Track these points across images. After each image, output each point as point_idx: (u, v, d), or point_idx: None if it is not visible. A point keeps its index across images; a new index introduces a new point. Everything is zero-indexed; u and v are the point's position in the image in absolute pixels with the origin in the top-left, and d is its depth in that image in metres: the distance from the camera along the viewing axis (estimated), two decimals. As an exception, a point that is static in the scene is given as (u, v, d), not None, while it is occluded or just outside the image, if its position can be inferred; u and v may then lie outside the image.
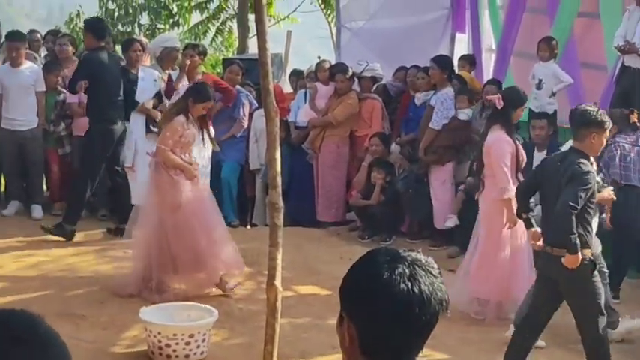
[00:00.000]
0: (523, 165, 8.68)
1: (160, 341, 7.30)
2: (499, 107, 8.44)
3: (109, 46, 11.87)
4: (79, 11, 22.37)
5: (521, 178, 8.42)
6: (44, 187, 12.33)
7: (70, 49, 12.51)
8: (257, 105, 12.28)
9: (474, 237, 8.96)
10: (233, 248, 9.16)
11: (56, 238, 10.68)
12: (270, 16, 20.11)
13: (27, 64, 11.68)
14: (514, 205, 7.73)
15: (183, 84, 11.53)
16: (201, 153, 11.15)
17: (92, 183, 10.95)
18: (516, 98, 8.61)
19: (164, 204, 8.89)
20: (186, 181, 8.98)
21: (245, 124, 12.26)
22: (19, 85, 11.51)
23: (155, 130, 11.45)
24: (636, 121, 9.74)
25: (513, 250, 8.55)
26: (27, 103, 11.56)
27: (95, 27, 11.16)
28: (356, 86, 12.50)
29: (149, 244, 8.85)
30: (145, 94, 11.44)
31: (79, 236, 10.91)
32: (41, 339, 2.03)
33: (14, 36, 11.84)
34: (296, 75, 14.00)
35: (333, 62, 13.42)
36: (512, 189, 8.13)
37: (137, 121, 11.38)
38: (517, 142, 8.75)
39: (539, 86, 11.47)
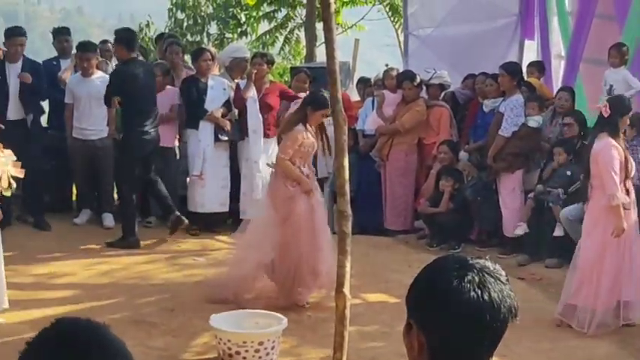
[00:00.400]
0: (632, 173, 8.60)
1: (229, 349, 7.34)
2: (606, 116, 8.40)
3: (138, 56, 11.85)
4: (148, 21, 22.62)
5: (630, 186, 8.39)
6: (114, 196, 12.45)
7: (141, 59, 12.62)
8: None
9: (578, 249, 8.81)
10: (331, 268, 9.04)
11: (128, 247, 10.82)
12: (338, 24, 20.16)
13: (98, 74, 11.80)
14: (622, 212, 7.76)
15: (251, 93, 11.62)
16: (321, 163, 11.26)
17: (132, 189, 11.04)
18: (623, 106, 8.56)
19: (275, 215, 8.86)
20: (302, 194, 8.89)
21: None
22: (89, 95, 11.62)
23: (224, 138, 11.56)
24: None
25: (619, 257, 8.47)
26: (97, 112, 11.68)
27: (126, 38, 11.21)
28: (423, 94, 12.47)
29: (253, 252, 8.85)
30: (214, 102, 11.55)
31: (150, 244, 11.02)
32: (106, 348, 2.06)
33: (85, 46, 11.98)
34: (363, 83, 14.00)
35: (401, 70, 13.39)
36: (621, 196, 8.15)
37: (206, 130, 11.49)
38: (625, 149, 8.67)
39: (610, 92, 11.33)
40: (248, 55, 12.80)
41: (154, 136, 11.11)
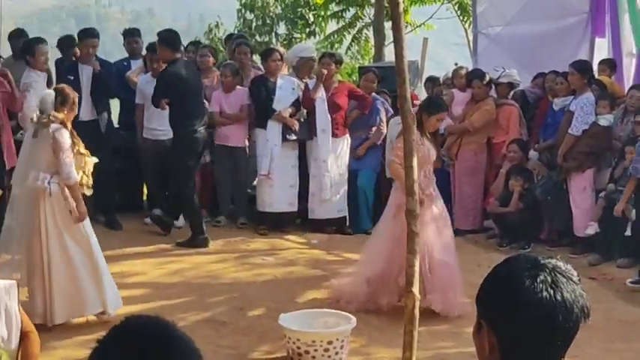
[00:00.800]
0: None
1: (299, 348, 7.36)
2: None
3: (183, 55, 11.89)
4: (217, 22, 22.78)
5: None
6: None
7: (211, 59, 12.73)
8: (392, 113, 12.30)
9: None
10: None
11: (197, 247, 10.91)
12: (407, 23, 20.11)
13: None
14: None
15: (320, 93, 11.65)
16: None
17: (192, 185, 11.09)
18: None
19: (393, 222, 8.73)
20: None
21: (384, 130, 12.26)
22: (160, 95, 11.70)
23: (292, 138, 11.59)
24: None
25: None
26: (167, 112, 11.77)
27: (169, 39, 11.23)
28: (493, 93, 12.40)
29: (378, 258, 8.72)
30: (282, 102, 11.59)
31: (219, 243, 11.10)
32: (175, 346, 2.08)
33: (154, 48, 12.09)
34: (432, 82, 13.97)
35: (470, 69, 13.33)
36: None
37: (274, 129, 11.55)
38: None
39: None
40: (315, 54, 12.84)
41: (204, 135, 11.20)
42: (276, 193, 11.61)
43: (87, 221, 8.25)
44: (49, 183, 8.05)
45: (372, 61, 20.21)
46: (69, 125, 8.18)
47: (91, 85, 11.43)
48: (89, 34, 11.70)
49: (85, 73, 11.50)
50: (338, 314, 7.95)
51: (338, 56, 12.86)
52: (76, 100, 8.33)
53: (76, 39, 11.83)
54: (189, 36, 18.77)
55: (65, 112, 8.17)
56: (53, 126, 8.02)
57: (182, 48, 11.45)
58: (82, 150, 8.27)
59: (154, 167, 11.99)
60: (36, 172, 8.06)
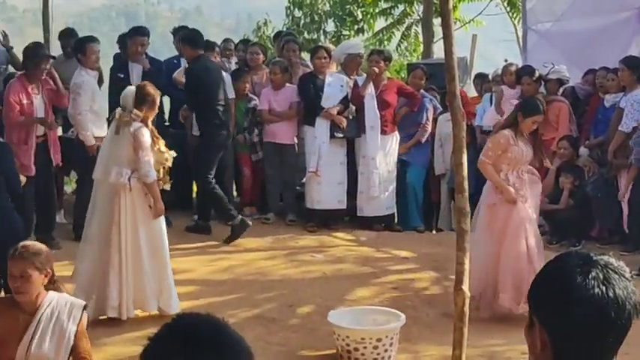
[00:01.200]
0: None
1: (348, 345, 7.38)
2: None
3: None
4: (266, 20, 22.84)
5: None
6: (234, 192, 12.59)
7: (261, 57, 12.76)
8: (441, 109, 12.28)
9: None
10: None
11: (248, 243, 10.96)
12: (456, 19, 20.01)
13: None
14: None
15: (369, 90, 11.64)
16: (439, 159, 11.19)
17: (211, 178, 11.14)
18: None
19: (486, 224, 8.71)
20: (505, 203, 8.58)
21: (429, 128, 12.23)
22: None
23: (339, 135, 11.57)
24: None
25: None
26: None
27: (188, 37, 11.42)
28: (542, 89, 12.32)
29: (481, 261, 8.53)
30: (330, 99, 11.59)
31: (268, 240, 11.14)
32: (225, 343, 2.10)
33: (209, 46, 12.19)
34: (481, 78, 13.90)
35: (520, 65, 13.25)
36: None
37: (322, 127, 11.55)
38: None
39: None
40: (362, 51, 12.82)
41: (228, 131, 11.35)
42: (325, 191, 11.61)
43: (162, 220, 8.40)
44: (129, 179, 8.27)
45: (420, 58, 20.15)
46: (149, 123, 8.33)
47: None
48: (139, 32, 11.80)
49: (135, 71, 11.58)
50: (387, 311, 7.96)
51: (387, 53, 12.82)
52: (157, 99, 8.47)
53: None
54: (237, 34, 18.90)
55: (144, 110, 8.32)
56: (135, 124, 8.25)
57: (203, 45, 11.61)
58: (163, 147, 8.41)
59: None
60: (118, 167, 8.29)
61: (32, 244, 5.71)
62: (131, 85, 11.18)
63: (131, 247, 8.25)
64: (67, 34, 12.52)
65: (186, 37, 11.49)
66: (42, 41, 12.50)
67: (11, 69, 11.73)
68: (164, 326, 2.15)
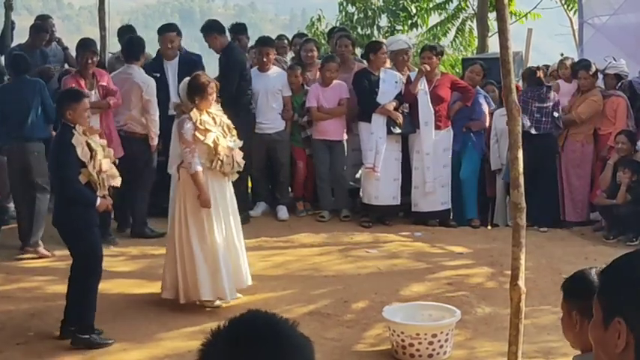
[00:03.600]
0: None
1: (403, 340, 7.38)
2: None
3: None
4: (319, 15, 22.84)
5: None
6: (289, 188, 12.61)
7: (315, 53, 12.76)
8: (494, 105, 12.20)
9: None
10: None
11: (302, 239, 11.00)
12: (511, 13, 19.86)
13: (273, 69, 11.97)
14: None
15: (421, 86, 11.59)
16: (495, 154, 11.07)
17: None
18: None
19: None
20: None
21: (485, 123, 12.14)
22: (266, 90, 11.79)
23: (396, 131, 11.54)
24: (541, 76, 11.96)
25: None
26: (275, 106, 11.87)
27: (214, 26, 11.65)
28: (600, 83, 12.21)
29: None
30: (385, 95, 11.55)
31: (323, 236, 11.16)
32: (282, 339, 2.11)
33: (265, 41, 12.22)
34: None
35: (576, 59, 13.14)
36: None
37: (378, 123, 11.50)
38: None
39: None
40: (407, 45, 12.71)
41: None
42: (381, 187, 11.58)
43: (213, 211, 8.44)
44: (178, 170, 8.53)
45: (475, 52, 20.05)
46: (200, 114, 8.39)
47: (178, 80, 11.56)
48: (165, 29, 11.88)
49: (170, 68, 11.65)
50: (442, 307, 7.94)
51: (439, 48, 12.77)
52: (208, 88, 8.50)
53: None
54: (291, 30, 18.95)
55: (197, 100, 8.41)
56: (182, 116, 8.36)
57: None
58: (209, 139, 8.40)
59: (260, 161, 12.04)
60: (172, 159, 8.73)
61: None
62: (168, 83, 11.37)
63: (184, 236, 8.44)
64: (125, 32, 12.65)
65: (212, 27, 11.65)
66: (98, 39, 12.61)
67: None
68: (223, 324, 2.16)
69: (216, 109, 8.73)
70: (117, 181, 7.99)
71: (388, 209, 11.76)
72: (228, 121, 8.76)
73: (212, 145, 8.36)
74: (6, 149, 10.71)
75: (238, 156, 8.68)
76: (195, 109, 8.42)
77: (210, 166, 8.39)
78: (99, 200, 7.76)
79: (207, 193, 8.35)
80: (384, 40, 13.89)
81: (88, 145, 7.70)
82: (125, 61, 11.31)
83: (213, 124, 8.50)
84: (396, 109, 11.56)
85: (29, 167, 10.14)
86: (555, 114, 11.69)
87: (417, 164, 11.68)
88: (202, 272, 8.39)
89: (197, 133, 8.33)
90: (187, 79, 8.77)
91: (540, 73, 12.06)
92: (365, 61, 12.29)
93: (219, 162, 8.41)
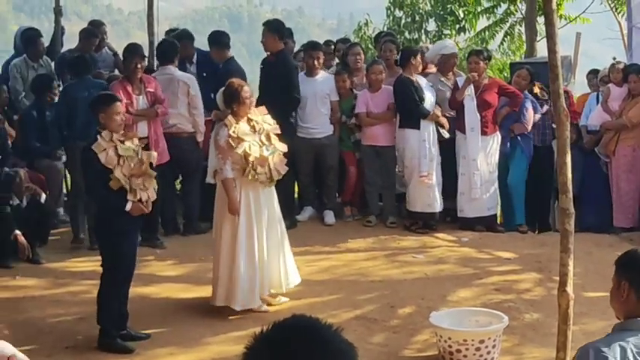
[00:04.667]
0: None
1: (450, 346, 7.35)
2: None
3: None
4: (367, 20, 22.83)
5: None
6: (337, 193, 12.57)
7: (362, 57, 12.72)
8: (541, 110, 12.09)
9: None
10: None
11: (349, 244, 11.00)
12: (560, 16, 19.73)
13: (321, 74, 11.94)
14: None
15: (468, 92, 11.52)
16: None
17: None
18: None
19: None
20: None
21: (528, 127, 11.99)
22: (314, 94, 11.77)
23: (446, 136, 11.45)
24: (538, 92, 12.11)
25: None
26: (323, 111, 11.86)
27: (278, 28, 11.72)
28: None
29: None
30: (429, 101, 11.45)
31: (369, 241, 11.15)
32: (326, 344, 2.11)
33: (315, 45, 12.25)
34: (594, 74, 13.59)
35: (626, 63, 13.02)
36: None
37: (428, 129, 11.39)
38: None
39: None
40: (456, 50, 12.64)
41: None
42: (430, 192, 11.45)
43: (245, 218, 8.48)
44: (214, 176, 8.72)
45: (523, 57, 19.92)
46: (237, 120, 8.44)
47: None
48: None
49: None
50: (490, 313, 7.90)
51: (486, 52, 12.67)
52: (244, 93, 8.54)
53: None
54: (338, 35, 18.88)
55: (235, 107, 8.47)
56: (219, 123, 8.48)
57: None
58: (240, 148, 8.43)
59: (308, 165, 12.02)
60: (210, 166, 8.93)
61: None
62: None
63: (220, 243, 8.60)
64: (169, 34, 12.78)
65: (276, 27, 11.69)
66: (147, 44, 12.72)
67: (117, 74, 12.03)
68: (268, 328, 2.16)
69: (261, 114, 8.77)
70: (152, 192, 8.05)
71: (435, 215, 11.62)
72: (273, 128, 8.78)
73: (242, 154, 8.39)
74: (70, 149, 10.91)
75: (280, 164, 8.70)
76: (231, 116, 8.47)
77: (242, 174, 8.43)
78: (129, 205, 7.77)
79: (235, 201, 8.42)
80: (429, 45, 13.81)
81: (116, 150, 7.72)
82: (160, 64, 11.44)
83: (249, 133, 8.53)
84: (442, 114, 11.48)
85: None
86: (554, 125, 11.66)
87: (463, 170, 11.60)
88: (239, 279, 8.44)
89: (230, 141, 8.38)
90: (222, 88, 8.84)
91: (536, 88, 12.19)
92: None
93: (253, 171, 8.43)
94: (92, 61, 11.92)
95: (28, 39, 12.50)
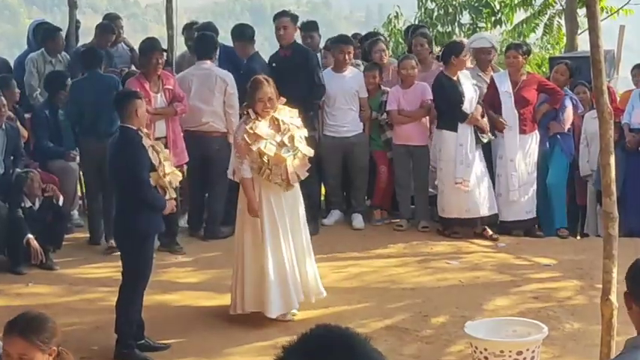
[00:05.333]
0: None
1: (486, 358, 7.32)
2: None
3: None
4: (397, 12, 22.81)
5: None
6: (365, 196, 12.54)
7: (387, 52, 12.68)
8: (582, 108, 12.02)
9: None
10: None
11: (379, 250, 11.02)
12: (602, 8, 19.63)
13: (349, 70, 11.92)
14: None
15: (505, 87, 11.45)
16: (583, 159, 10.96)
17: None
18: None
19: None
20: None
21: (566, 126, 11.90)
22: (343, 91, 11.75)
23: (485, 140, 11.32)
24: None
25: None
26: (352, 109, 11.84)
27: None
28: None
29: None
30: (469, 102, 11.33)
31: (400, 246, 11.14)
32: (355, 355, 2.11)
33: (344, 39, 12.21)
34: (638, 69, 13.51)
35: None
36: None
37: (466, 132, 11.23)
38: None
39: None
40: (491, 44, 12.53)
41: None
42: (471, 199, 11.39)
43: (267, 221, 8.50)
44: (233, 174, 8.84)
45: (563, 51, 19.85)
46: (259, 117, 8.46)
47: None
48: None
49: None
50: (528, 322, 7.87)
51: (525, 46, 12.58)
52: (258, 88, 8.53)
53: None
54: (367, 28, 18.90)
55: (253, 104, 8.50)
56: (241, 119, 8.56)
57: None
58: (255, 146, 8.46)
59: (335, 166, 12.01)
60: (231, 164, 8.97)
61: (35, 315, 4.79)
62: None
63: (241, 246, 8.69)
64: (190, 28, 12.81)
65: (296, 18, 11.92)
66: (166, 38, 12.77)
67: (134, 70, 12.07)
68: (297, 339, 2.17)
69: (289, 114, 8.77)
70: (175, 185, 8.20)
71: (473, 220, 11.55)
72: (299, 130, 8.77)
73: (257, 152, 8.40)
74: (83, 145, 11.05)
75: (300, 168, 8.70)
76: (251, 112, 8.51)
77: (258, 173, 8.46)
78: (168, 204, 7.95)
79: (254, 201, 8.45)
80: (465, 40, 13.74)
81: (154, 148, 7.85)
82: (198, 59, 11.45)
83: (269, 132, 8.51)
84: (482, 115, 11.36)
85: (105, 164, 10.33)
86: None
87: (500, 170, 11.55)
88: (269, 285, 8.46)
89: (247, 137, 8.40)
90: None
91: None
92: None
93: (268, 171, 8.44)
94: (107, 56, 11.99)
95: (47, 32, 12.59)
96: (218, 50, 11.96)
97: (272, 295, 8.50)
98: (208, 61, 11.31)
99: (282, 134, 8.59)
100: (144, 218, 7.87)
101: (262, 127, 8.50)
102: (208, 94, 11.08)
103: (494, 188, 11.54)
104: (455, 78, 11.37)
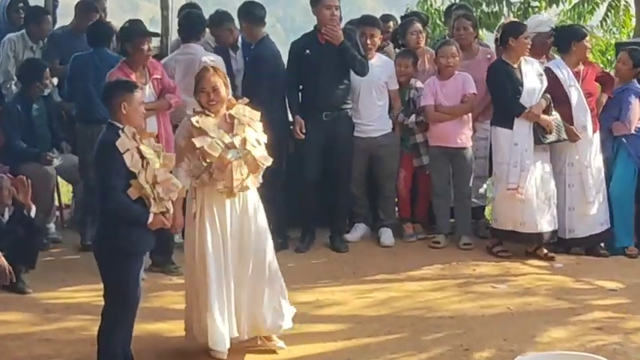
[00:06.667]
0: None
1: (539, 399, 7.31)
2: None
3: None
4: (434, -9, 22.83)
5: None
6: (395, 208, 12.48)
7: (423, 35, 12.63)
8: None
9: None
10: None
11: (411, 271, 11.05)
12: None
13: (377, 57, 11.91)
14: None
15: (571, 81, 11.40)
16: None
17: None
18: None
19: None
20: None
21: (632, 126, 11.82)
22: (370, 83, 11.71)
23: (547, 141, 11.21)
24: None
25: None
26: (380, 104, 11.83)
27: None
28: None
29: None
30: (531, 95, 11.29)
31: (438, 267, 11.16)
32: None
33: (369, 20, 12.13)
34: None
35: None
36: None
37: (523, 130, 11.21)
38: None
39: None
40: (551, 28, 12.51)
41: None
42: (527, 209, 11.33)
43: (210, 236, 8.35)
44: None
45: (631, 35, 19.82)
46: (203, 113, 8.42)
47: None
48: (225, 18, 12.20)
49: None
50: (590, 357, 7.83)
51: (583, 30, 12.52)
52: (210, 81, 8.44)
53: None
54: (398, 7, 18.86)
55: (199, 95, 8.50)
56: None
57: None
58: (199, 143, 8.31)
59: (360, 170, 12.04)
60: None
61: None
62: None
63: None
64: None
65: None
66: (159, 19, 12.77)
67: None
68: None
69: (248, 114, 8.50)
70: (174, 195, 7.90)
71: (531, 237, 11.52)
72: (257, 134, 8.45)
73: (199, 153, 8.18)
74: (81, 131, 11.21)
75: (251, 176, 8.37)
76: (198, 107, 8.41)
77: (196, 179, 8.25)
78: (151, 217, 7.65)
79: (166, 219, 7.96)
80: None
81: (139, 151, 7.61)
82: (182, 41, 11.42)
83: (215, 130, 8.21)
84: (545, 110, 11.25)
85: None
86: None
87: (571, 179, 11.45)
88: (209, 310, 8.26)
89: (193, 131, 8.21)
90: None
91: None
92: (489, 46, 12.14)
93: (207, 176, 8.18)
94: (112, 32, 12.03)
95: (32, 14, 12.65)
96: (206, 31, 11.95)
97: (210, 322, 8.22)
98: (194, 44, 11.27)
99: (232, 135, 8.33)
100: (127, 233, 7.68)
101: (210, 123, 8.29)
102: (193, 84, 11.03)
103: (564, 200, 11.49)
104: (515, 65, 11.33)
